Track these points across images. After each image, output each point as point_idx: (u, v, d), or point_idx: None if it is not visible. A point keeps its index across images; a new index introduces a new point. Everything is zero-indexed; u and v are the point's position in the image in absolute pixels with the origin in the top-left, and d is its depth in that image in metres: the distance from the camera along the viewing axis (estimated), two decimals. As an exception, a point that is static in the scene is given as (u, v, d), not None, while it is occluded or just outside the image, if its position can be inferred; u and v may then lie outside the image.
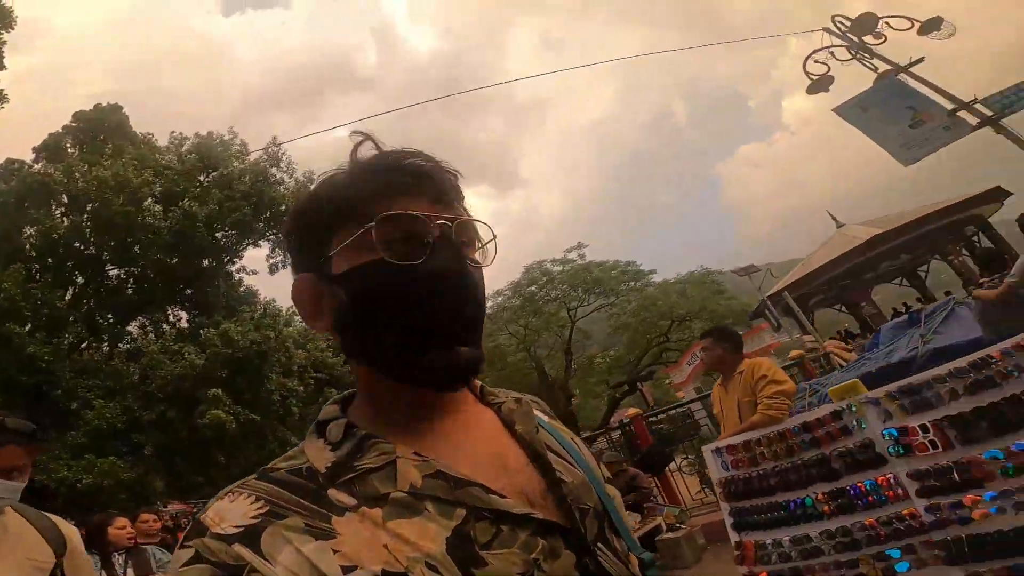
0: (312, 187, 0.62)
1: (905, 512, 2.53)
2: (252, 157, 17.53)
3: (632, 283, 21.96)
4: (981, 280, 4.74)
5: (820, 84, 9.27)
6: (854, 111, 8.99)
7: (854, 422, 2.69)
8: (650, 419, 7.94)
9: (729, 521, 3.23)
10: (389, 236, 0.54)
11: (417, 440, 0.56)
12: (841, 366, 6.22)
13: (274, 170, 18.00)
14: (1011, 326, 4.44)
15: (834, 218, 18.39)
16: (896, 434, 2.53)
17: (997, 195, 15.24)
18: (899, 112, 9.35)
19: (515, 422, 0.62)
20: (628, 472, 6.85)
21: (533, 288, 22.39)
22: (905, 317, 4.99)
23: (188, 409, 13.38)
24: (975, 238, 16.71)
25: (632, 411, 8.21)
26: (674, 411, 8.83)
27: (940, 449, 2.39)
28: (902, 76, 8.36)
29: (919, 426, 2.46)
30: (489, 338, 23.86)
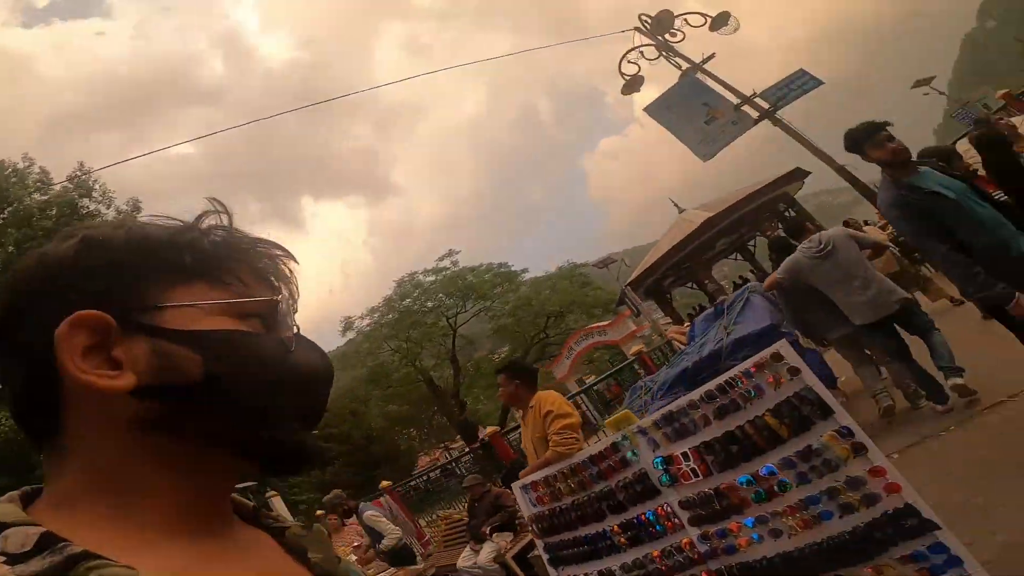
0: (133, 224, 0.51)
1: (683, 542, 2.42)
2: (57, 187, 14.71)
3: (505, 284, 22.16)
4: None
5: (632, 85, 9.72)
6: (660, 110, 9.55)
7: (629, 453, 2.53)
8: (509, 434, 7.74)
9: (545, 557, 3.05)
10: (257, 311, 0.51)
11: (177, 561, 0.42)
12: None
13: (86, 201, 15.32)
14: (787, 318, 4.80)
15: (676, 204, 20.12)
16: (663, 463, 2.40)
17: (798, 175, 17.52)
18: (696, 109, 10.09)
19: (305, 548, 0.57)
20: (492, 492, 6.55)
21: (407, 301, 21.72)
22: (712, 310, 5.23)
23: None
24: (786, 213, 19.23)
25: (490, 429, 7.98)
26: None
27: (701, 477, 2.28)
28: (700, 74, 9.00)
29: (681, 454, 2.33)
30: (371, 356, 22.73)
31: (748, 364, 2.15)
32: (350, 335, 23.70)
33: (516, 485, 3.12)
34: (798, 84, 9.68)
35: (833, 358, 5.22)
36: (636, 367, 6.69)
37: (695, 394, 2.30)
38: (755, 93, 8.69)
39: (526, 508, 3.08)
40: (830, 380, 4.08)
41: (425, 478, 9.58)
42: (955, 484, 2.84)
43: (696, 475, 2.29)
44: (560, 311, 21.41)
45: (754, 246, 20.65)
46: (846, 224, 7.56)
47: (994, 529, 2.37)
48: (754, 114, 8.70)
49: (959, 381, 3.44)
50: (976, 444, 3.11)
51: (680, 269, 18.39)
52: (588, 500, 2.73)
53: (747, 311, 4.76)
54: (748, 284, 5.11)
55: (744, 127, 9.11)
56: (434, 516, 7.75)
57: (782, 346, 2.08)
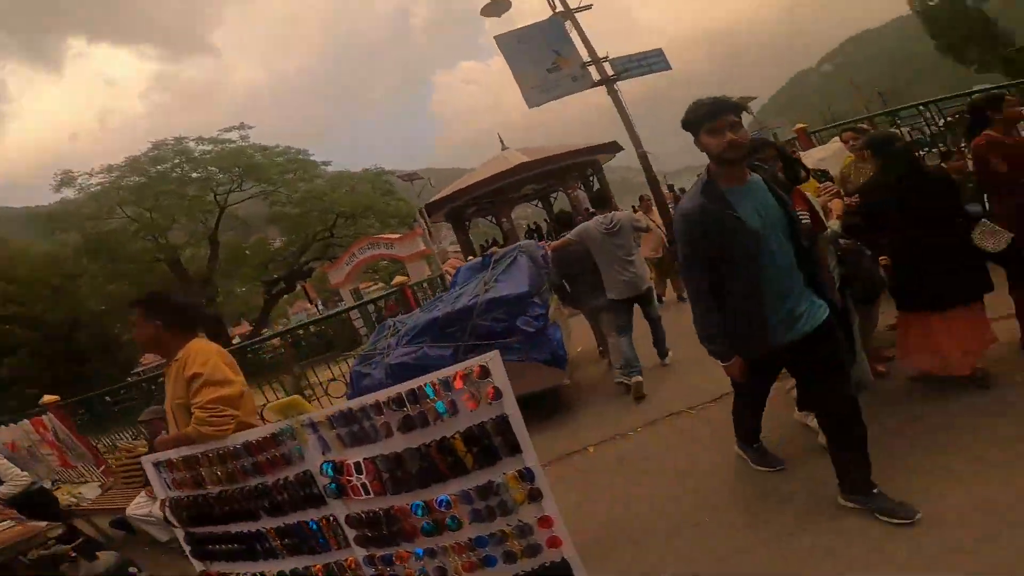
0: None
1: (347, 561, 1.97)
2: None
3: (299, 172, 19.37)
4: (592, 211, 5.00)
5: (495, 8, 8.65)
6: (510, 42, 8.75)
7: (294, 449, 1.93)
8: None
9: (187, 548, 2.33)
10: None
11: None
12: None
13: None
14: (554, 282, 4.84)
15: (501, 140, 19.94)
16: (332, 470, 1.87)
17: (612, 148, 18.75)
18: (545, 53, 9.60)
19: None
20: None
21: (164, 167, 17.39)
22: (479, 260, 4.92)
23: None
24: (591, 178, 20.68)
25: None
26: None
27: (372, 494, 1.82)
28: (570, 23, 8.38)
29: (354, 463, 1.82)
30: (95, 222, 17.75)
31: (450, 372, 1.69)
32: (67, 192, 17.99)
33: (147, 460, 2.29)
34: (648, 62, 9.70)
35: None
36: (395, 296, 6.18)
37: (382, 395, 1.77)
38: (607, 57, 8.44)
39: (160, 489, 2.29)
40: (561, 361, 4.12)
41: (124, 391, 7.70)
42: (628, 482, 3.04)
43: (367, 492, 1.81)
44: (353, 213, 19.67)
45: (555, 199, 21.85)
46: (642, 199, 8.14)
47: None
48: (596, 77, 8.48)
49: (638, 379, 4.17)
50: (650, 446, 3.42)
51: (484, 201, 18.44)
52: (240, 495, 2.08)
53: (512, 271, 4.55)
54: (520, 243, 4.92)
55: (581, 86, 8.87)
56: (119, 442, 6.25)
57: (492, 359, 1.65)
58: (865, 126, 5.99)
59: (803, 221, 2.33)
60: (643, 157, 9.46)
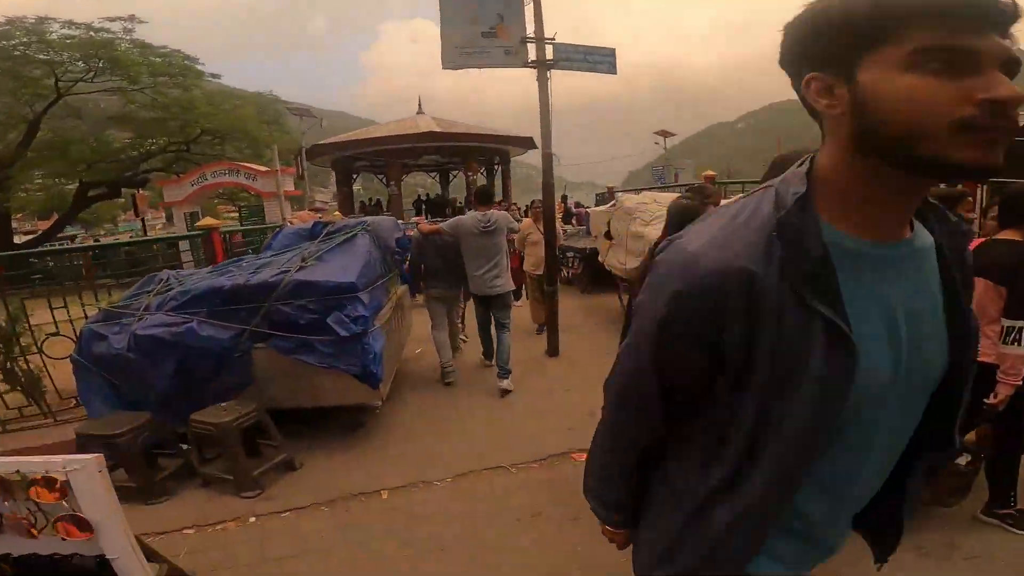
0: None
1: None
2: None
3: (176, 78, 16.34)
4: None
5: None
6: None
7: None
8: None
9: None
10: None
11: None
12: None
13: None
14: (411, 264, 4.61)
15: (420, 104, 18.58)
16: None
17: (526, 144, 18.19)
18: (488, 14, 8.53)
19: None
20: None
21: (3, 44, 14.12)
22: (310, 225, 3.87)
23: None
24: (496, 166, 20.04)
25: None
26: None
27: None
28: None
29: None
30: None
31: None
32: None
33: None
34: (593, 59, 8.90)
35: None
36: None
37: None
38: (552, 38, 7.52)
39: None
40: (373, 379, 3.27)
41: None
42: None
43: None
44: (223, 134, 16.80)
45: (454, 177, 20.91)
46: (533, 204, 7.46)
47: None
48: (531, 57, 7.53)
49: (506, 383, 4.24)
50: (454, 506, 2.77)
51: (378, 158, 16.88)
52: None
53: (344, 251, 3.60)
54: (367, 219, 3.97)
55: (512, 62, 7.85)
56: None
57: (84, 469, 0.77)
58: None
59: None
60: (547, 158, 8.89)
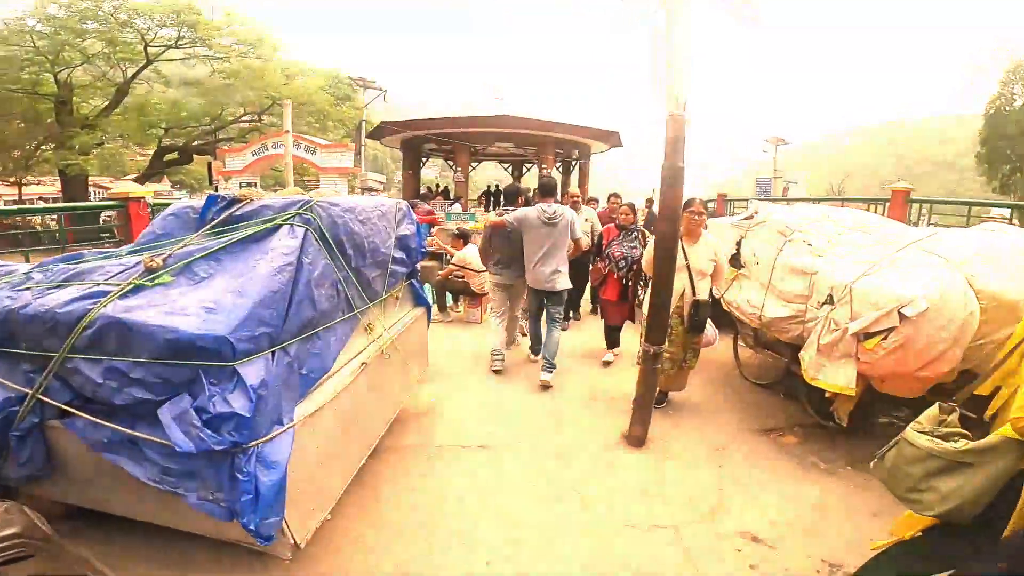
0: None
1: None
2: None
3: (247, 47, 16.03)
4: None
5: None
6: None
7: None
8: None
9: None
10: None
11: None
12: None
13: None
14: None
15: (498, 91, 17.08)
16: None
17: (612, 140, 16.25)
18: None
19: None
20: None
21: (87, 4, 14.40)
22: (204, 200, 2.17)
23: None
24: (574, 164, 18.15)
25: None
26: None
27: None
28: None
29: None
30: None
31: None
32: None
33: None
34: None
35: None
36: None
37: None
38: None
39: None
40: (266, 527, 1.64)
41: None
42: None
43: None
44: (291, 105, 16.45)
45: (527, 170, 19.28)
46: (615, 196, 6.23)
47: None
48: None
49: (547, 378, 4.06)
50: None
51: (450, 143, 15.52)
52: None
53: (241, 259, 1.91)
54: (313, 199, 2.22)
55: None
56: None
57: None
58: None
59: None
60: (677, 124, 6.89)
